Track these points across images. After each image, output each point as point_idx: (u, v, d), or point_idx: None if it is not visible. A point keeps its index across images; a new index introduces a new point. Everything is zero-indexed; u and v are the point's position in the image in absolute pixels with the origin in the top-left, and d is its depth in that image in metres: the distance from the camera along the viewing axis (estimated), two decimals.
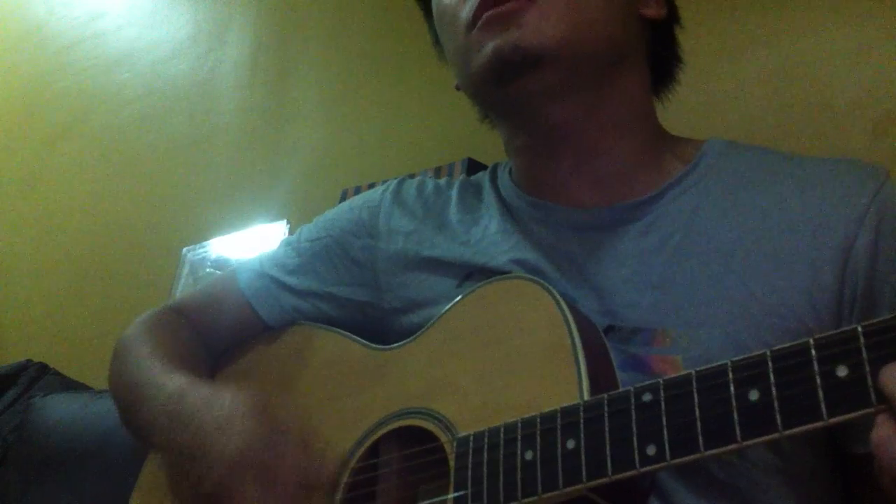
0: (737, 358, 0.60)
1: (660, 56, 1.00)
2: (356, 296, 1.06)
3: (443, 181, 1.10)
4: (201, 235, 2.27)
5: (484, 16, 0.87)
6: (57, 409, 1.95)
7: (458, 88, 1.04)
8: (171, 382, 0.89)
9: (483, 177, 1.08)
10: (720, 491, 0.78)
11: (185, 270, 2.24)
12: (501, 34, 0.86)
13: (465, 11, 0.90)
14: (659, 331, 0.82)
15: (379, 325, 1.03)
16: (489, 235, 0.98)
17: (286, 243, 1.13)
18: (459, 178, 1.10)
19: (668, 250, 0.86)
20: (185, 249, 2.27)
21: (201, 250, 2.24)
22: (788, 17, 1.51)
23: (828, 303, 0.80)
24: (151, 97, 2.66)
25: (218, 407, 0.81)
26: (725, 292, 0.82)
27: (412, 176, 1.68)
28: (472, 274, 0.95)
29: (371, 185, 1.79)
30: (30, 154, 2.90)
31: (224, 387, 0.85)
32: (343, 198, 1.83)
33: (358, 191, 1.80)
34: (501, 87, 0.89)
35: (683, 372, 0.63)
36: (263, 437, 0.77)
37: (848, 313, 0.80)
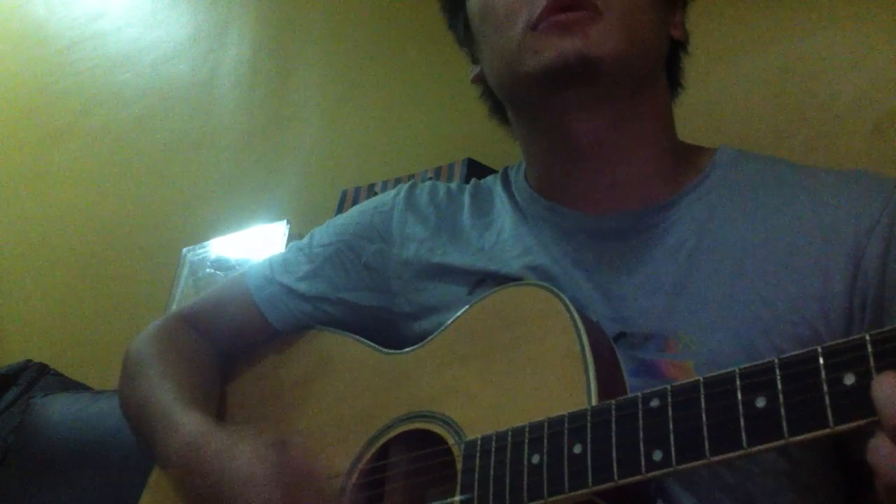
0: (745, 365, 0.61)
1: (670, 76, 1.01)
2: (368, 301, 1.06)
3: (454, 186, 1.11)
4: (201, 235, 2.27)
5: (550, 19, 0.86)
6: (57, 409, 1.94)
7: (473, 81, 1.04)
8: (185, 425, 0.90)
9: (494, 180, 1.08)
10: (727, 493, 0.79)
11: (185, 270, 2.23)
12: (567, 40, 0.86)
13: (527, 11, 0.88)
14: (671, 336, 0.83)
15: (390, 329, 1.03)
16: (502, 241, 0.98)
17: (297, 248, 1.13)
18: (471, 182, 1.11)
19: (680, 256, 0.87)
20: (185, 249, 2.27)
21: (201, 250, 2.24)
22: (788, 17, 1.51)
23: (839, 310, 0.81)
24: (151, 97, 2.65)
25: (237, 462, 0.82)
26: (738, 298, 0.83)
27: (412, 176, 1.69)
28: (485, 280, 0.95)
29: (371, 185, 1.79)
30: (30, 154, 2.89)
31: (241, 434, 0.86)
32: (343, 198, 1.83)
33: (358, 191, 1.80)
34: (549, 94, 0.89)
35: (691, 378, 0.64)
36: (285, 494, 0.78)
37: (859, 321, 0.80)
